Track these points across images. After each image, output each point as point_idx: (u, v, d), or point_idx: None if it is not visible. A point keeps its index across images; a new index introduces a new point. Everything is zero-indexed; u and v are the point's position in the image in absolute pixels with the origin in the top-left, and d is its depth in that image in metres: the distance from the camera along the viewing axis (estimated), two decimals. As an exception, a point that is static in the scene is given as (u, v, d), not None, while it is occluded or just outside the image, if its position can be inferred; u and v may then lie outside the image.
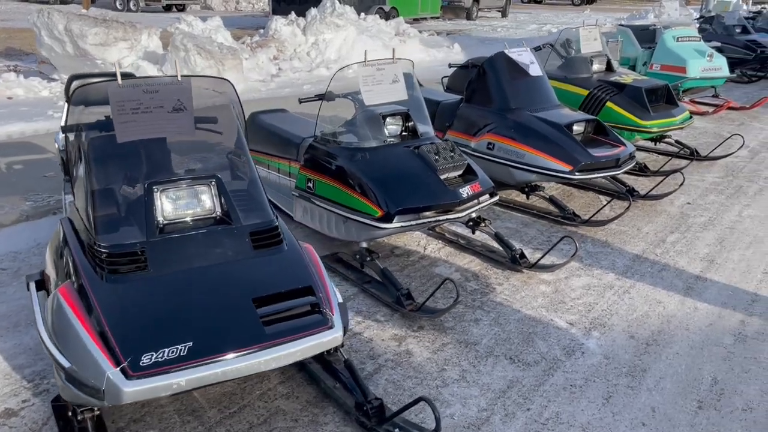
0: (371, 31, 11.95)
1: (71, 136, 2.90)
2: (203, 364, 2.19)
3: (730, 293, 3.97)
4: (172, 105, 2.84)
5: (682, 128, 6.54)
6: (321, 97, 4.33)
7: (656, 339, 3.44)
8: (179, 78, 2.87)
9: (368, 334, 3.42)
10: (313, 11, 11.47)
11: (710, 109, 9.45)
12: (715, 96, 10.05)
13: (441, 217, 3.89)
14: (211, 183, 2.73)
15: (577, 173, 4.96)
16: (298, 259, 2.74)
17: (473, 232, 4.52)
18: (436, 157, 4.02)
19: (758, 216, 5.29)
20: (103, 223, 2.57)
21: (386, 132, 4.21)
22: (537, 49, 7.44)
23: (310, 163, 4.24)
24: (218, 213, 2.74)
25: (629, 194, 5.59)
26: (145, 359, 2.15)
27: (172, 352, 2.18)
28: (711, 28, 13.16)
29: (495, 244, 4.45)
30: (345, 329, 2.59)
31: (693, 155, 6.92)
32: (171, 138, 2.91)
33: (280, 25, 11.25)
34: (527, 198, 5.41)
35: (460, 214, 3.95)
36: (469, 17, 27.60)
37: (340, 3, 12.06)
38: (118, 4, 27.32)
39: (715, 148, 7.00)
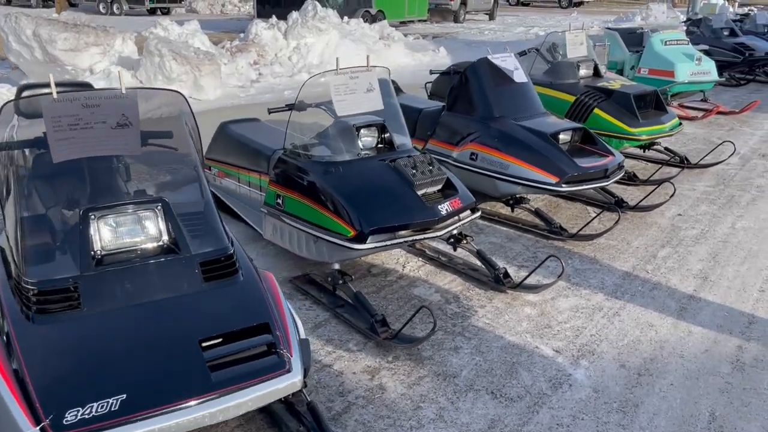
0: (355, 34, 11.70)
1: (2, 155, 2.62)
2: (137, 420, 1.92)
3: (725, 314, 3.74)
4: (116, 120, 2.57)
5: (671, 135, 6.32)
6: (291, 107, 4.06)
7: (648, 368, 3.20)
8: (123, 91, 2.59)
9: (338, 367, 3.15)
10: (294, 15, 11.20)
11: (699, 114, 9.27)
12: (704, 100, 9.87)
13: (418, 236, 3.63)
14: (156, 207, 2.46)
15: (563, 185, 4.72)
16: (255, 291, 2.47)
17: (455, 249, 4.26)
18: (414, 171, 3.76)
19: (752, 228, 5.08)
20: (32, 255, 2.29)
21: (360, 144, 3.95)
22: (522, 53, 7.24)
23: (278, 178, 3.97)
24: (165, 241, 2.47)
25: (618, 206, 5.37)
26: (70, 416, 1.87)
27: (102, 407, 1.91)
28: (698, 31, 13.01)
29: (478, 262, 4.20)
30: (306, 371, 2.33)
31: (683, 163, 6.71)
32: (114, 157, 2.63)
33: (260, 29, 10.96)
34: (512, 211, 5.16)
35: (438, 233, 3.70)
36: (456, 20, 27.43)
37: (323, 6, 11.80)
38: (101, 7, 27.00)
39: (706, 156, 6.80)
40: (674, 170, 6.36)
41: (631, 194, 5.80)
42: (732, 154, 6.78)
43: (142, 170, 2.83)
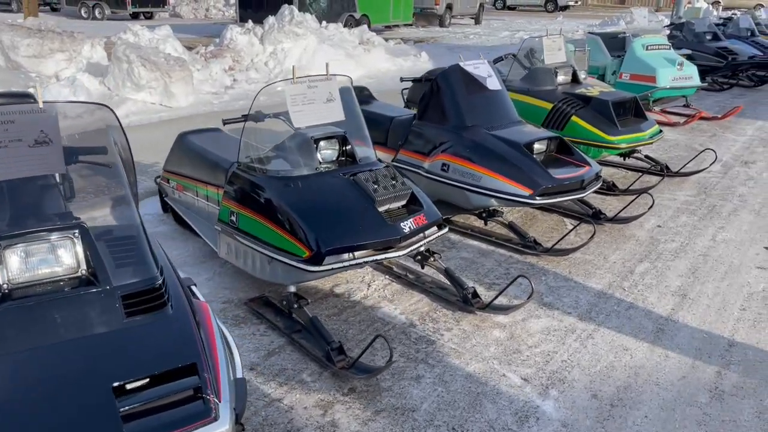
0: (333, 39, 11.48)
1: None
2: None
3: (704, 336, 3.55)
4: (34, 138, 2.33)
5: (651, 143, 6.15)
6: (246, 118, 3.84)
7: (622, 398, 2.99)
8: (41, 105, 2.35)
9: (289, 401, 2.92)
10: (270, 19, 10.96)
11: (681, 120, 9.12)
12: (687, 106, 9.73)
13: (380, 256, 3.41)
14: (73, 234, 2.22)
15: (537, 197, 4.53)
16: (185, 326, 2.23)
17: (422, 267, 4.05)
18: (375, 186, 3.54)
19: (733, 240, 4.90)
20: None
21: (319, 158, 3.72)
22: (498, 59, 7.05)
23: (232, 194, 3.74)
24: (83, 272, 2.23)
25: (596, 218, 5.18)
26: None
27: (-10, 470, 1.67)
28: (681, 35, 12.91)
29: (447, 281, 3.98)
30: (239, 416, 2.10)
31: (664, 171, 6.53)
32: (32, 177, 2.39)
33: (235, 34, 10.72)
34: (486, 224, 4.96)
35: (402, 252, 3.48)
36: (441, 24, 27.33)
37: (301, 11, 11.58)
38: (83, 12, 26.68)
39: (687, 164, 6.62)
40: (655, 179, 6.17)
41: (610, 205, 5.62)
42: (713, 162, 6.62)
43: (63, 192, 2.59)
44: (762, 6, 21.36)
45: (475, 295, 3.79)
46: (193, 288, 2.76)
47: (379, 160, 4.00)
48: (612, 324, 3.66)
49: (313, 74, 3.81)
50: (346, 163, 3.84)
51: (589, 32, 11.60)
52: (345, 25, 21.03)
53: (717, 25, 14.84)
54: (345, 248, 3.29)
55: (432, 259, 3.95)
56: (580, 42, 8.53)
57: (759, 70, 12.96)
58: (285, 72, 10.54)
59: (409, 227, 3.50)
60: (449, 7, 27.27)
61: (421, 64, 13.32)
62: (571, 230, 4.64)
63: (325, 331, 3.25)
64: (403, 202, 3.71)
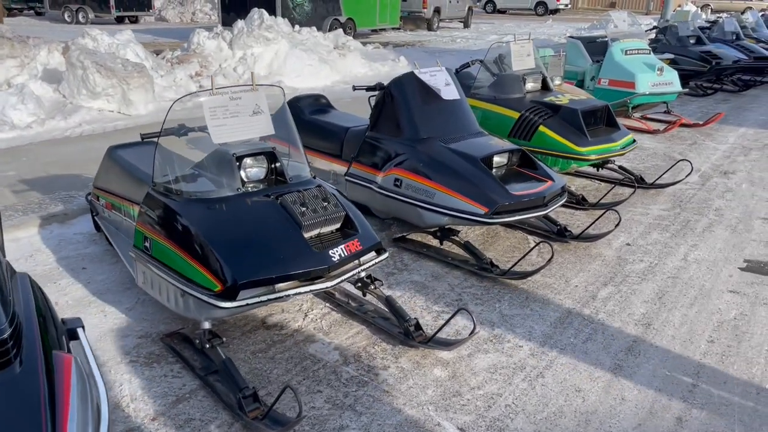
0: (306, 44, 11.13)
1: None
2: None
3: (666, 373, 3.21)
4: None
5: (623, 154, 5.82)
6: (160, 133, 3.48)
7: (568, 452, 2.65)
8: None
9: (187, 459, 2.57)
10: (239, 23, 10.61)
11: (661, 127, 8.82)
12: (668, 112, 9.44)
13: (304, 288, 3.06)
14: None
15: (493, 216, 4.19)
16: (31, 388, 1.87)
17: (363, 295, 3.71)
18: (303, 209, 3.20)
19: (705, 260, 4.57)
20: None
21: (243, 177, 3.37)
22: (465, 66, 6.73)
23: (146, 217, 3.38)
24: None
25: (560, 235, 4.85)
26: None
27: None
28: (665, 38, 12.63)
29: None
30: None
31: (638, 183, 6.21)
32: None
33: (203, 38, 10.36)
34: (441, 243, 4.62)
35: (330, 282, 3.13)
36: (430, 28, 27.07)
37: (284, 16, 11.23)
38: (66, 16, 26.43)
39: (662, 175, 6.30)
40: (628, 191, 5.84)
41: (578, 220, 5.29)
42: (690, 173, 6.30)
43: None
44: (751, 8, 21.14)
45: (418, 327, 3.45)
46: (79, 331, 2.39)
47: (314, 177, 3.66)
48: (566, 359, 3.32)
49: (240, 84, 3.46)
50: (275, 183, 3.50)
51: (570, 36, 11.32)
52: (330, 29, 20.77)
53: (702, 28, 14.58)
54: (263, 280, 2.94)
55: (373, 287, 3.61)
56: (555, 47, 8.21)
57: (744, 74, 12.71)
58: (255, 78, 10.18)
59: (340, 254, 3.16)
60: (437, 10, 27.01)
61: (400, 68, 12.98)
62: (530, 251, 4.29)
63: (239, 375, 2.90)
64: (337, 226, 3.37)
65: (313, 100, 5.85)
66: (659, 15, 24.67)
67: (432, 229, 4.60)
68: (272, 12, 18.35)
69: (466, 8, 28.53)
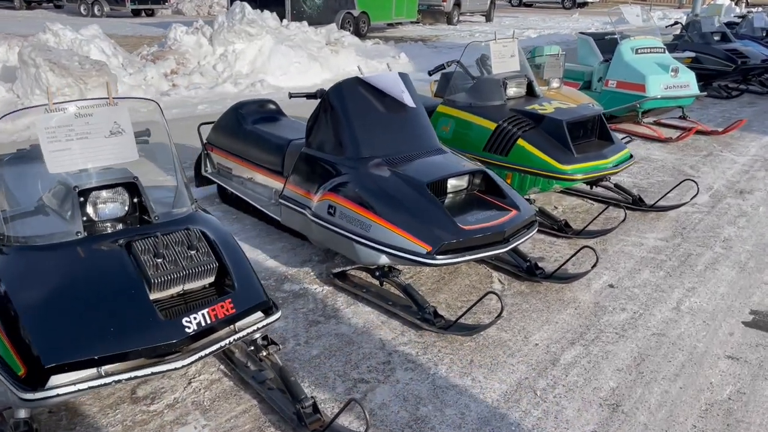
0: (294, 39, 10.40)
1: None
2: None
3: (628, 487, 2.43)
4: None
5: (616, 172, 5.00)
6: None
7: None
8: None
9: None
10: (220, 18, 9.92)
11: (675, 135, 7.93)
12: (683, 117, 8.53)
13: (144, 371, 2.35)
14: None
15: (437, 257, 3.43)
16: None
17: (260, 361, 2.98)
18: (158, 260, 2.48)
19: (702, 311, 3.75)
20: None
21: (93, 216, 2.66)
22: (440, 67, 5.95)
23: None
24: None
25: (530, 274, 4.08)
26: None
27: None
28: (687, 35, 11.66)
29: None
30: None
31: (635, 205, 5.38)
32: None
33: (180, 33, 9.70)
34: (381, 285, 3.87)
35: (186, 360, 2.42)
36: (449, 22, 26.25)
37: (294, 10, 10.52)
38: (82, 9, 26.16)
39: (664, 195, 5.46)
40: (629, 212, 5.01)
41: (557, 252, 4.50)
42: (695, 195, 5.44)
43: None
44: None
45: (315, 409, 2.71)
46: None
47: (198, 210, 2.94)
48: (499, 460, 2.56)
49: (89, 98, 2.74)
50: (140, 221, 2.78)
51: (580, 32, 10.42)
52: (342, 24, 20.04)
53: (730, 24, 13.55)
54: (82, 362, 2.23)
55: (265, 353, 2.88)
56: (539, 48, 7.37)
57: (773, 75, 11.69)
58: (235, 76, 9.51)
59: (200, 323, 2.44)
60: (458, 3, 26.16)
61: (399, 67, 12.20)
62: (480, 299, 3.50)
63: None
64: (209, 279, 2.65)
65: (257, 106, 5.14)
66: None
67: (372, 267, 3.85)
68: (282, 5, 17.71)
69: (489, 1, 27.52)
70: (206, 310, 2.47)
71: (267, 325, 2.69)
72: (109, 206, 2.69)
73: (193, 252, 2.57)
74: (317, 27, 11.59)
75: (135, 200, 2.75)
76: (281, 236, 4.67)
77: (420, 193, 3.63)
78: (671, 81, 7.92)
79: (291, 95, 4.58)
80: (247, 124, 4.90)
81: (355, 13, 21.14)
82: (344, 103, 4.03)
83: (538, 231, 4.83)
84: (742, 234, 4.90)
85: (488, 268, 4.24)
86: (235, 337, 2.57)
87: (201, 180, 5.36)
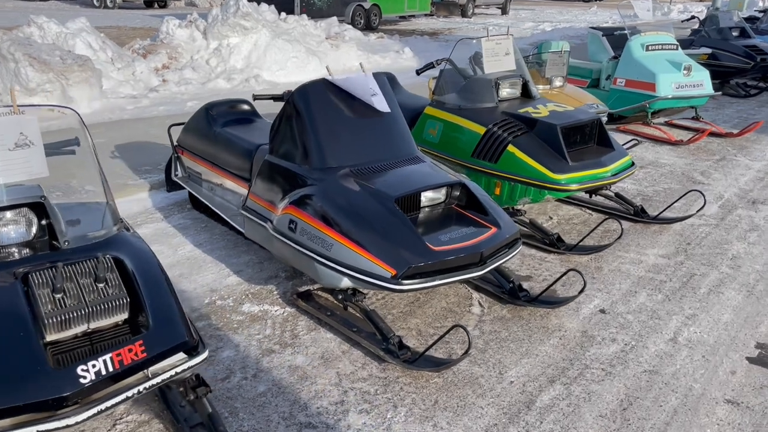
0: (292, 33, 10.03)
1: None
2: None
3: None
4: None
5: (615, 182, 4.60)
6: None
7: None
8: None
9: None
10: (214, 11, 9.59)
11: (686, 137, 7.48)
12: (696, 118, 8.07)
13: (29, 429, 2.00)
14: None
15: (403, 281, 3.06)
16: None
17: (191, 405, 2.64)
18: (56, 295, 2.14)
19: (702, 343, 3.36)
20: None
21: (-7, 241, 2.33)
22: (429, 66, 5.56)
23: None
24: None
25: (513, 296, 3.70)
26: None
27: None
28: (704, 30, 11.15)
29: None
30: None
31: (637, 216, 4.98)
32: None
33: (172, 27, 9.38)
34: (345, 309, 3.51)
35: (81, 415, 2.08)
36: (464, 14, 25.84)
37: (303, 3, 10.14)
38: (95, 1, 25.99)
39: (670, 205, 5.05)
40: (628, 224, 4.61)
41: (546, 270, 4.12)
42: (702, 207, 5.02)
43: None
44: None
45: (244, 463, 2.37)
46: None
47: (122, 231, 2.60)
48: None
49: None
50: (50, 246, 2.45)
51: (591, 27, 9.96)
52: (353, 16, 19.66)
53: (751, 19, 13.00)
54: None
55: (194, 396, 2.54)
56: (547, 44, 6.96)
57: (794, 72, 11.13)
58: (228, 71, 9.18)
59: (100, 371, 2.10)
60: (472, -5, 25.64)
61: (403, 61, 11.83)
62: (447, 332, 3.13)
63: None
64: (122, 316, 2.31)
65: (229, 107, 4.79)
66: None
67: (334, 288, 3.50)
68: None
69: (505, -7, 27.05)
70: (110, 354, 2.13)
71: (189, 368, 2.34)
72: (13, 229, 2.36)
73: (101, 285, 2.23)
74: (318, 21, 11.20)
75: (44, 222, 2.41)
76: (250, 248, 4.34)
77: (387, 208, 3.27)
78: (683, 80, 7.48)
79: (255, 97, 4.23)
80: (217, 126, 4.57)
81: (366, 5, 20.78)
82: (309, 107, 3.67)
83: (528, 246, 4.47)
84: (753, 251, 4.48)
85: (469, 288, 3.88)
86: (149, 384, 2.23)
87: (171, 185, 5.05)
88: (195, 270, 4.06)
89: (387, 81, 3.97)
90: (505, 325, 3.49)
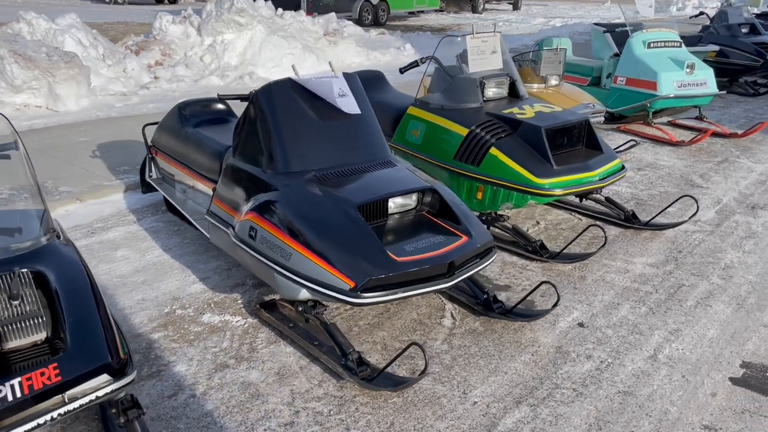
0: (288, 30, 9.87)
1: None
2: None
3: None
4: None
5: (603, 186, 4.39)
6: None
7: None
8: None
9: None
10: (208, 7, 9.44)
11: (687, 138, 7.24)
12: (699, 118, 7.83)
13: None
14: None
15: (363, 294, 2.89)
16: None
17: (119, 427, 2.48)
18: (-35, 315, 1.99)
19: (684, 361, 3.16)
20: None
21: None
22: (413, 64, 5.37)
23: None
24: None
25: (487, 308, 3.52)
26: None
27: None
28: (713, 26, 10.87)
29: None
30: None
31: (628, 221, 4.77)
32: None
33: (166, 23, 9.24)
34: (306, 321, 3.34)
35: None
36: (474, 10, 25.62)
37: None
38: (106, -4, 26.01)
39: (663, 210, 4.84)
40: (618, 230, 4.42)
41: (528, 279, 3.93)
42: (694, 214, 4.80)
43: None
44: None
45: (172, 493, 2.21)
46: None
47: (66, 242, 2.45)
48: None
49: None
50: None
51: (594, 23, 9.71)
52: (360, 12, 19.47)
53: (762, 15, 12.68)
54: None
55: (124, 419, 2.38)
56: (548, 40, 6.75)
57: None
58: (222, 68, 9.03)
59: (6, 397, 1.94)
60: (483, -10, 25.41)
61: (404, 58, 11.62)
62: (405, 350, 2.95)
63: None
64: (39, 336, 2.16)
65: (202, 106, 4.64)
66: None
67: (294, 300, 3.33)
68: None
69: (517, -12, 26.81)
70: (19, 379, 1.98)
71: (113, 392, 2.18)
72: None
73: (16, 302, 2.08)
74: (316, 17, 11.02)
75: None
76: (219, 254, 4.18)
77: (348, 216, 3.09)
78: (686, 78, 7.24)
79: (220, 96, 4.07)
80: (189, 126, 4.42)
81: (374, 1, 20.59)
82: (273, 108, 3.50)
83: (510, 252, 4.28)
84: (747, 260, 4.26)
85: (442, 299, 3.70)
86: (64, 409, 2.07)
87: (146, 186, 4.91)
88: (160, 276, 3.91)
89: (359, 81, 3.79)
90: (476, 339, 3.30)
